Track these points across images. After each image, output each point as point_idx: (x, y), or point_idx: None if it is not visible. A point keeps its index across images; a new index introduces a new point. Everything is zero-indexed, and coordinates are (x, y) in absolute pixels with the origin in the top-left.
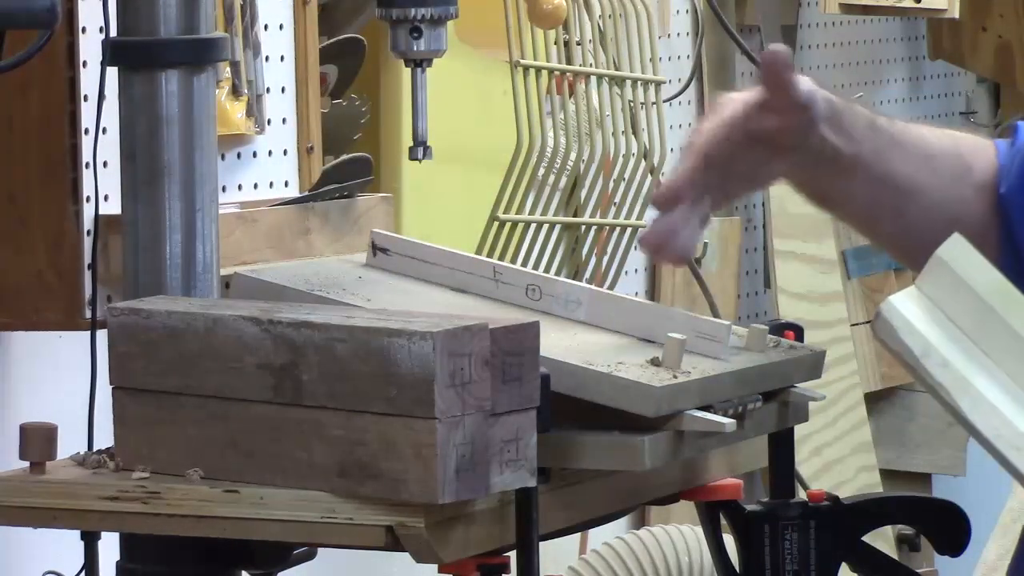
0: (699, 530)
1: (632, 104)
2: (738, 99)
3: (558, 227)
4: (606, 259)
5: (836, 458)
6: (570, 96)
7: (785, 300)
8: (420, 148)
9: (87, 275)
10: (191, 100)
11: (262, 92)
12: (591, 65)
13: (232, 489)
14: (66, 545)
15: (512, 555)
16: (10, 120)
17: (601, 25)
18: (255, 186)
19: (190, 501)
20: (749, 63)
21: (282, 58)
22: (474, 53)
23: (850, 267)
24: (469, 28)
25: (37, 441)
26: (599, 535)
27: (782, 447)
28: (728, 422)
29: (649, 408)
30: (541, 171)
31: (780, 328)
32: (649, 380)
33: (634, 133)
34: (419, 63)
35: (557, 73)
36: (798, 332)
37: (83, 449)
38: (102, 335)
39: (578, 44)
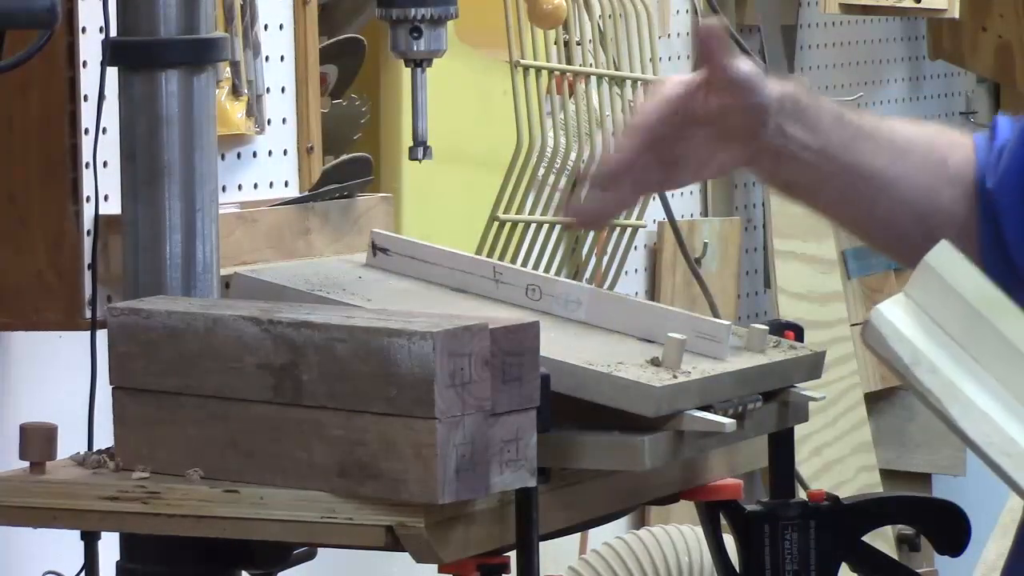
0: (699, 530)
1: (632, 104)
2: (679, 79)
3: (558, 227)
4: (606, 259)
5: (836, 458)
6: (570, 96)
7: (785, 300)
8: (420, 148)
9: (87, 275)
10: (191, 100)
11: (262, 92)
12: (591, 65)
13: (232, 489)
14: (66, 545)
15: (512, 555)
16: (10, 120)
17: (601, 25)
18: (255, 186)
19: (190, 501)
20: None
21: (282, 58)
22: (474, 53)
23: (850, 267)
24: (469, 28)
25: (37, 441)
26: (599, 535)
27: (782, 447)
28: (728, 422)
29: (649, 408)
30: (541, 171)
31: (780, 328)
32: (649, 380)
33: None
34: (419, 63)
35: (557, 73)
36: (798, 332)
37: (83, 449)
38: (102, 335)
39: (578, 44)
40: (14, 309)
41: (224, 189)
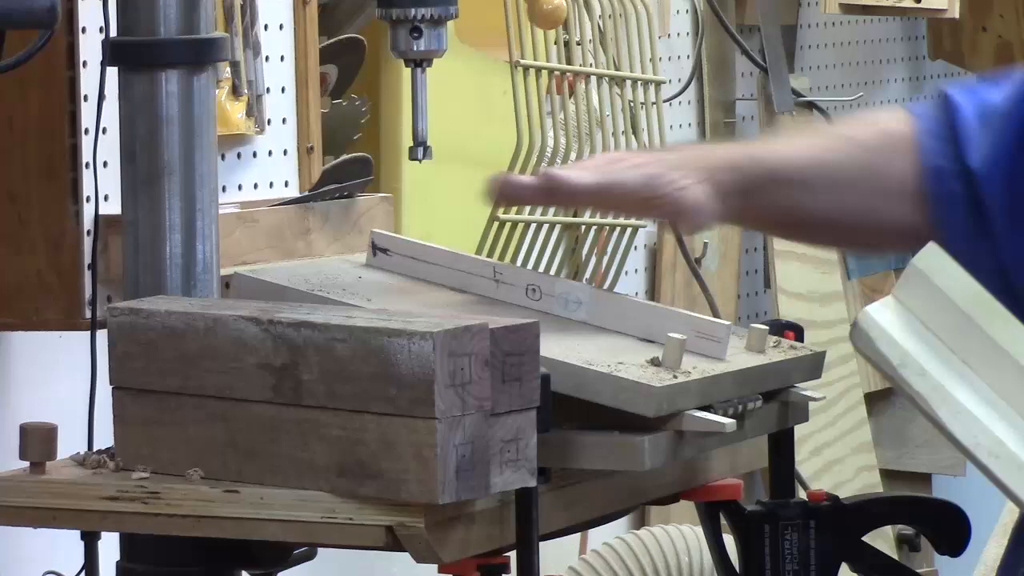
0: (699, 530)
1: (632, 104)
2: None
3: (558, 227)
4: (606, 259)
5: (836, 458)
6: (570, 96)
7: (785, 300)
8: (420, 148)
9: (87, 275)
10: (191, 100)
11: (262, 92)
12: (591, 65)
13: (232, 489)
14: (66, 545)
15: (512, 555)
16: (10, 120)
17: (601, 25)
18: (255, 186)
19: (190, 501)
20: (749, 63)
21: (282, 58)
22: (474, 53)
23: (850, 267)
24: (469, 28)
25: (37, 441)
26: (599, 535)
27: (782, 447)
28: (728, 422)
29: (649, 408)
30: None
31: (780, 328)
32: (649, 380)
33: (634, 133)
34: (419, 63)
35: (557, 73)
36: (798, 332)
37: (83, 449)
38: (102, 335)
39: (578, 44)
40: (14, 309)
41: (224, 189)
